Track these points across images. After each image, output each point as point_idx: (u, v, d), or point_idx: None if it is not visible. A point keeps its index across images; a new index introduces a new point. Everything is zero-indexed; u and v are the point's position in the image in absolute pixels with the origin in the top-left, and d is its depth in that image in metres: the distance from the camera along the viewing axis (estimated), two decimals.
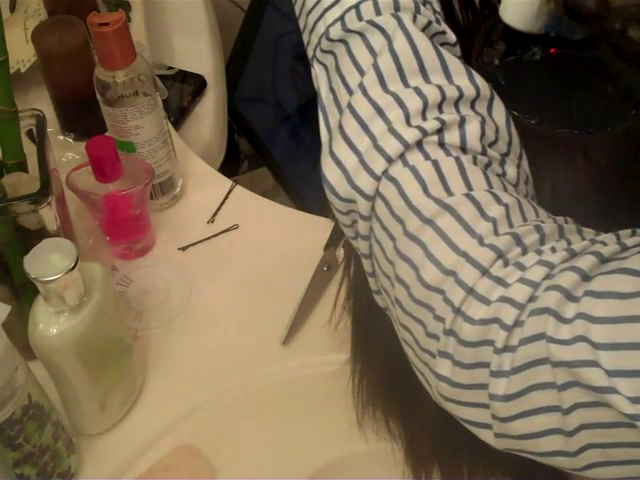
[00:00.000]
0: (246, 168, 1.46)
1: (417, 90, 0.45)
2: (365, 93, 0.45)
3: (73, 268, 0.62)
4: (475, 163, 0.44)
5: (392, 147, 0.44)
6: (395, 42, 0.45)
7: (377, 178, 0.44)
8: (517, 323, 0.41)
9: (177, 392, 0.77)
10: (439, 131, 0.44)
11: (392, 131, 0.44)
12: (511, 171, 0.46)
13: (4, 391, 0.60)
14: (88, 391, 0.70)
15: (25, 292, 0.70)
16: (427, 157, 0.44)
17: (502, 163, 0.45)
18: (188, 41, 1.11)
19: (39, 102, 0.91)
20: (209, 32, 1.13)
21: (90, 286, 0.66)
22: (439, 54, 0.46)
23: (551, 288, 0.40)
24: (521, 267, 0.42)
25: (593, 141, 0.48)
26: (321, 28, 0.48)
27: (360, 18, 0.47)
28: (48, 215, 0.70)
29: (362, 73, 0.46)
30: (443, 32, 0.48)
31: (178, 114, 1.02)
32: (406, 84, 0.45)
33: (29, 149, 0.72)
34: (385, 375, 0.60)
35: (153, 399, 0.77)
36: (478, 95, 0.46)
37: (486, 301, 0.42)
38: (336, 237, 0.84)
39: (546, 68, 0.51)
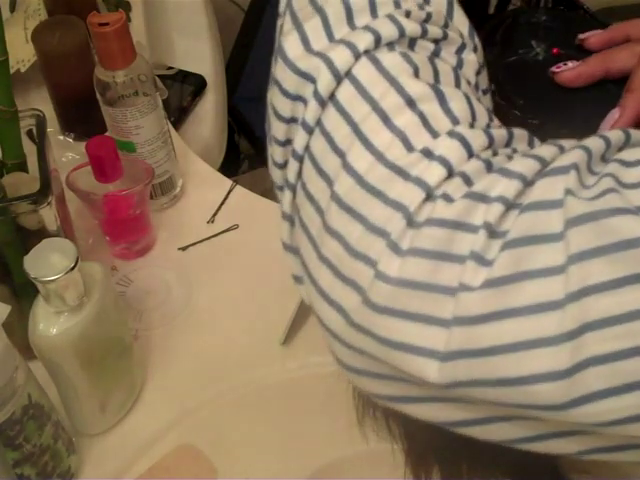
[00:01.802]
0: (246, 168, 1.46)
1: (420, 5, 0.41)
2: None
3: (73, 268, 0.62)
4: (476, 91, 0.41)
5: (387, 29, 0.39)
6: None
7: (357, 55, 0.39)
8: (519, 196, 0.34)
9: (177, 392, 0.77)
10: (436, 41, 0.41)
11: (391, 18, 0.39)
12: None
13: (4, 391, 0.60)
14: (88, 391, 0.70)
15: (25, 292, 0.70)
16: (421, 50, 0.40)
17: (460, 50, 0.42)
18: (188, 41, 1.11)
19: (39, 102, 0.91)
20: (209, 32, 1.13)
21: (90, 286, 0.66)
22: None
23: (572, 149, 0.34)
24: (516, 157, 0.36)
25: None
26: None
27: None
28: (48, 215, 0.70)
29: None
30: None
31: (178, 114, 1.02)
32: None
33: (29, 149, 0.72)
34: None
35: (153, 399, 0.76)
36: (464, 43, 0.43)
37: (471, 180, 0.35)
38: None
39: (549, 68, 0.51)
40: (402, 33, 0.39)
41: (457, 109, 0.38)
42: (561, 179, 0.33)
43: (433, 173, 0.35)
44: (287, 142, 0.42)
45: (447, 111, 0.37)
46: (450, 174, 0.35)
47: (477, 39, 0.43)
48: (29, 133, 0.74)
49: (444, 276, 0.34)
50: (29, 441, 0.64)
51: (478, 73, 0.42)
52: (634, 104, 0.49)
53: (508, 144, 0.38)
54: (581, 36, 0.53)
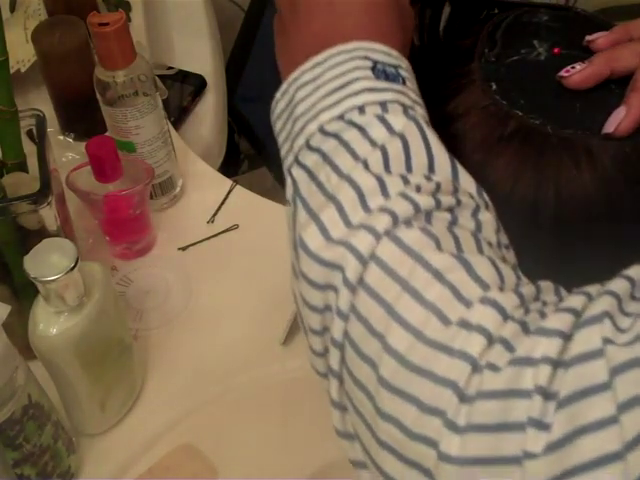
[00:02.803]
0: (246, 168, 1.46)
1: (427, 177, 0.42)
2: (367, 168, 0.42)
3: (73, 268, 0.62)
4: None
5: (402, 208, 0.40)
6: (408, 135, 0.43)
7: (378, 237, 0.40)
8: (562, 353, 0.35)
9: (177, 392, 0.77)
10: (451, 209, 0.42)
11: (404, 195, 0.41)
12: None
13: (4, 391, 0.60)
14: (88, 391, 0.70)
15: (25, 292, 0.70)
16: (438, 222, 0.41)
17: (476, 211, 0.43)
18: (188, 41, 1.11)
19: (39, 102, 0.91)
20: (209, 32, 1.13)
21: (90, 286, 0.66)
22: (452, 159, 0.44)
23: (600, 296, 0.36)
24: (548, 312, 0.37)
25: (597, 141, 0.48)
26: (312, 127, 0.44)
27: (364, 115, 0.44)
28: (48, 215, 0.70)
29: (359, 159, 0.42)
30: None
31: (178, 114, 1.02)
32: (411, 171, 0.42)
33: (29, 149, 0.72)
34: None
35: (153, 399, 0.76)
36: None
37: (512, 345, 0.36)
38: None
39: (551, 68, 0.51)
40: (417, 209, 0.40)
41: (484, 274, 0.39)
42: (597, 329, 0.34)
43: (474, 344, 0.36)
44: (324, 330, 0.43)
45: (475, 278, 0.38)
46: (490, 341, 0.36)
47: (485, 196, 0.43)
48: (29, 133, 0.74)
49: (506, 447, 0.34)
50: (29, 441, 0.64)
51: (497, 231, 0.43)
52: (639, 103, 0.49)
53: (537, 298, 0.39)
54: (588, 38, 0.53)
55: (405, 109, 0.44)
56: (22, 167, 0.72)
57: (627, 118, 0.49)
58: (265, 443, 0.73)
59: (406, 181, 0.41)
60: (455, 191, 0.42)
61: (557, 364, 0.35)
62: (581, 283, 0.42)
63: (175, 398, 0.76)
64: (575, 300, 0.37)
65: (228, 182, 0.93)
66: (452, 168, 0.43)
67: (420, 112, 0.44)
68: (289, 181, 0.45)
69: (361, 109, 0.43)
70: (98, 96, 0.84)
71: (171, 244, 0.88)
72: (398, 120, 0.43)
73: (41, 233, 0.70)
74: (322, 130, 0.44)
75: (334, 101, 0.44)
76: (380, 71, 0.44)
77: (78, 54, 0.92)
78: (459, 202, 0.42)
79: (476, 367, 0.36)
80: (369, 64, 0.44)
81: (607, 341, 0.34)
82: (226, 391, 0.76)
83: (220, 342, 0.80)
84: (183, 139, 0.98)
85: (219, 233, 0.89)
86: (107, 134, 0.85)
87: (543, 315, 0.37)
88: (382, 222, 0.40)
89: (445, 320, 0.37)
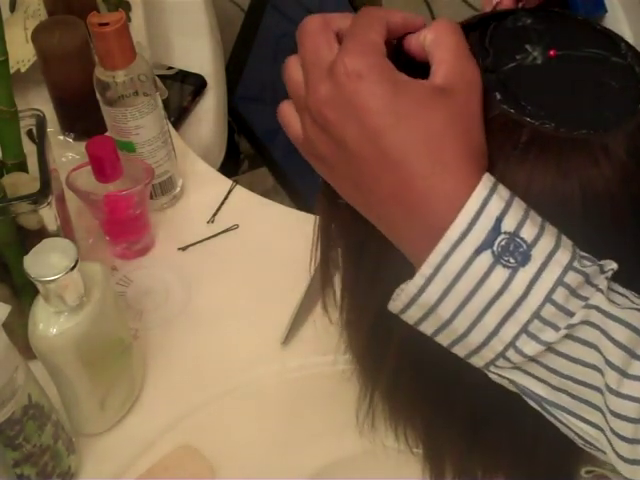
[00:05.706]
0: (246, 168, 1.46)
1: None
2: (627, 375, 0.42)
3: (73, 268, 0.62)
4: None
5: None
6: (611, 332, 0.42)
7: None
8: None
9: (177, 392, 0.77)
10: None
11: None
12: None
13: (4, 391, 0.60)
14: (88, 391, 0.70)
15: (25, 292, 0.70)
16: None
17: None
18: (188, 41, 1.11)
19: (39, 102, 0.91)
20: (209, 32, 1.13)
21: (90, 286, 0.66)
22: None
23: None
24: None
25: (610, 139, 0.48)
26: (498, 346, 0.43)
27: (553, 326, 0.42)
28: (48, 215, 0.70)
29: (600, 370, 0.42)
30: (613, 271, 0.44)
31: (178, 114, 1.02)
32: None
33: (29, 149, 0.72)
34: (415, 391, 0.58)
35: (153, 399, 0.77)
36: None
37: None
38: None
39: (550, 71, 0.51)
40: None
41: None
42: None
43: None
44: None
45: None
46: None
47: None
48: (29, 133, 0.74)
49: None
50: (29, 441, 0.64)
51: None
52: None
53: None
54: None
55: (573, 294, 0.42)
56: (22, 167, 0.72)
57: None
58: (264, 443, 0.73)
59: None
60: None
61: None
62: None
63: (175, 398, 0.76)
64: None
65: (228, 182, 0.93)
66: None
67: (580, 267, 0.43)
68: (494, 377, 0.45)
69: (540, 318, 0.42)
70: (98, 96, 0.84)
71: (171, 244, 0.88)
72: (591, 316, 0.42)
73: (41, 233, 0.70)
74: (522, 354, 0.43)
75: (498, 320, 0.42)
76: (503, 255, 0.42)
77: (78, 54, 0.92)
78: None
79: None
80: (491, 259, 0.42)
81: None
82: (226, 391, 0.76)
83: (220, 342, 0.80)
84: (183, 139, 0.98)
85: (219, 233, 0.89)
86: (107, 134, 0.85)
87: None
88: None
89: None
